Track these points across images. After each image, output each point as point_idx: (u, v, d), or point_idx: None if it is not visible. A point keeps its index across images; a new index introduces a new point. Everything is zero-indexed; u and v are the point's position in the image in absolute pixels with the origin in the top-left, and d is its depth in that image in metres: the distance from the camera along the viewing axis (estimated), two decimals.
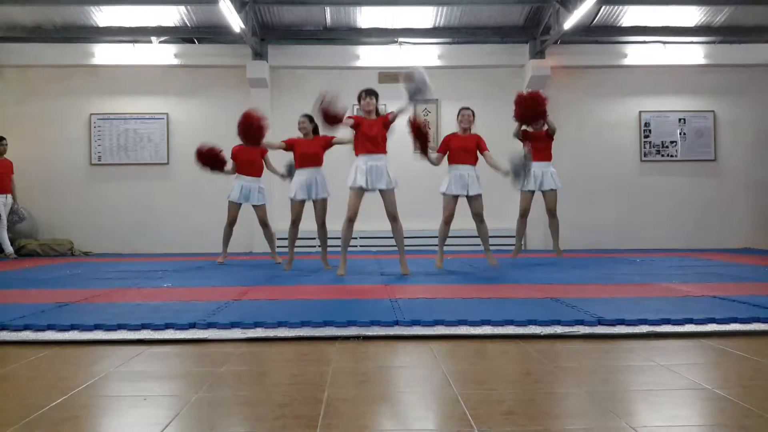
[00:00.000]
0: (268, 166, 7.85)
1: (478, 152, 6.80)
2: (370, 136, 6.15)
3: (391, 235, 6.48)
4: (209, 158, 7.59)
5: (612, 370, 2.72)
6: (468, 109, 6.92)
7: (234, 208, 7.81)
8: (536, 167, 7.37)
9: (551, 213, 7.59)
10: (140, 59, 10.76)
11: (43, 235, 10.64)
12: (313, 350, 3.09)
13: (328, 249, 7.18)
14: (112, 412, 2.26)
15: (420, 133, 6.45)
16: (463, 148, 6.73)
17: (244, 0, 9.47)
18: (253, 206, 7.84)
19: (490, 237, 7.05)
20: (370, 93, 6.28)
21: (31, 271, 7.27)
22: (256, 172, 7.82)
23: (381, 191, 6.20)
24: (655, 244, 10.68)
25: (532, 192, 7.54)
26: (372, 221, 7.43)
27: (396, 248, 6.52)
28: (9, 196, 9.82)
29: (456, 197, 6.77)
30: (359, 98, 6.33)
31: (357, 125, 6.17)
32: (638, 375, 2.61)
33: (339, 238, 6.35)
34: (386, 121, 6.24)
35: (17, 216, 9.91)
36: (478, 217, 6.83)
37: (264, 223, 7.90)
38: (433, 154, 6.78)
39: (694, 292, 4.71)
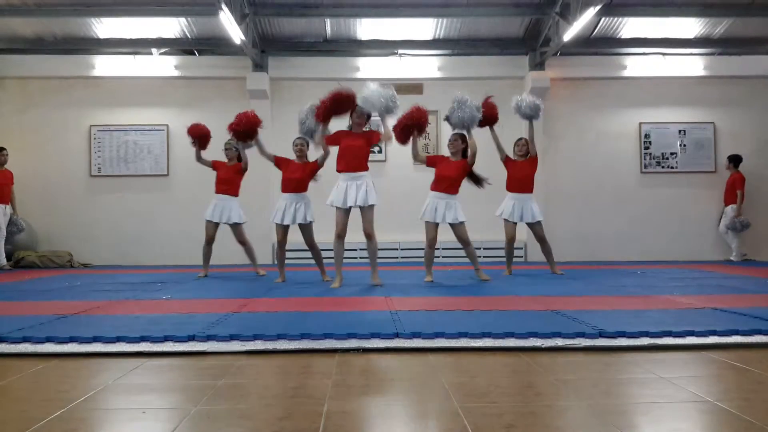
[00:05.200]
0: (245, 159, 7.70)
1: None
2: (353, 153, 6.20)
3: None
4: (198, 133, 7.72)
5: (613, 382, 2.70)
6: (456, 133, 6.90)
7: (210, 226, 7.70)
8: (517, 199, 7.54)
9: (541, 240, 7.69)
10: (140, 71, 10.79)
11: (42, 247, 10.64)
12: (313, 363, 3.07)
13: (325, 261, 7.18)
14: (111, 425, 2.24)
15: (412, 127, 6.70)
16: (448, 179, 6.72)
17: (244, 12, 9.51)
18: (230, 225, 7.73)
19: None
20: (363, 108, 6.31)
21: (30, 283, 7.26)
22: (233, 191, 7.75)
23: (360, 208, 6.21)
24: (655, 256, 10.67)
25: (514, 222, 7.62)
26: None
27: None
28: (9, 206, 9.81)
29: (436, 223, 6.75)
30: (351, 113, 6.38)
31: (338, 141, 6.31)
32: (639, 388, 2.59)
33: (332, 250, 6.34)
34: (372, 140, 6.36)
35: (16, 227, 9.91)
36: (463, 241, 6.81)
37: (242, 242, 7.83)
38: (420, 154, 6.84)
39: (695, 304, 4.70)
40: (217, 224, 7.71)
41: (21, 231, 10.02)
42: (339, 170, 6.26)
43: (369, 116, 6.45)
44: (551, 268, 7.78)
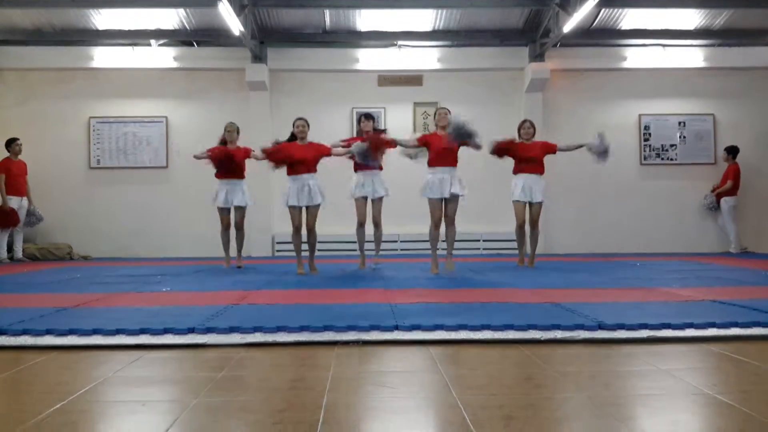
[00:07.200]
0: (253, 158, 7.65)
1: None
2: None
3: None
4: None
5: (612, 375, 2.71)
6: (444, 108, 6.94)
7: (224, 213, 7.71)
8: (528, 180, 7.51)
9: (533, 224, 7.65)
10: (139, 62, 10.76)
11: (42, 239, 10.64)
12: (313, 355, 3.08)
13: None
14: (111, 418, 2.25)
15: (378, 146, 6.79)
16: (444, 150, 6.67)
17: (243, 3, 9.47)
18: (235, 207, 7.71)
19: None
20: (368, 117, 7.26)
21: (30, 276, 7.26)
22: (239, 174, 7.72)
23: (372, 200, 7.16)
24: (655, 248, 10.67)
25: (524, 203, 7.57)
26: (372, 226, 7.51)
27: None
28: (24, 198, 9.83)
29: (441, 200, 6.70)
30: (359, 121, 7.39)
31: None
32: (639, 380, 2.60)
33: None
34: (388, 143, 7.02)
35: (35, 217, 9.94)
36: (449, 219, 6.77)
37: (239, 227, 7.81)
38: (410, 144, 6.93)
39: (695, 297, 4.70)
40: (229, 209, 7.71)
41: (40, 220, 10.05)
42: (357, 170, 7.19)
43: (374, 120, 7.34)
44: (529, 257, 7.70)
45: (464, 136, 6.48)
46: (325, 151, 6.95)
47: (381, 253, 7.79)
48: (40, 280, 6.59)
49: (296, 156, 6.82)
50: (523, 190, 7.49)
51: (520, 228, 7.69)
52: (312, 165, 6.88)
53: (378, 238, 7.43)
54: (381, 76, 10.97)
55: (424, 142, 6.82)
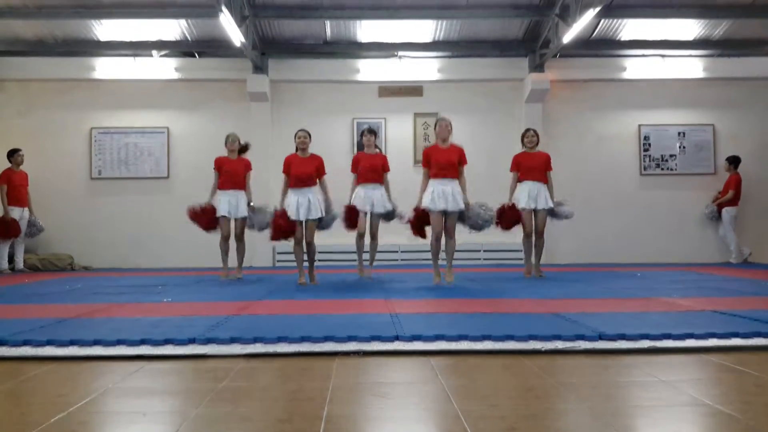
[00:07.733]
0: (246, 183, 7.80)
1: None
2: (370, 168, 7.32)
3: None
4: (203, 219, 7.63)
5: (613, 385, 2.71)
6: (445, 119, 6.90)
7: (225, 222, 7.68)
8: (532, 186, 7.50)
9: (539, 233, 7.59)
10: (141, 73, 10.80)
11: (44, 250, 10.64)
12: (313, 366, 3.07)
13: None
14: (111, 429, 2.25)
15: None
16: (446, 163, 6.67)
17: (244, 14, 9.51)
18: (236, 218, 7.69)
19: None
20: (371, 131, 7.57)
21: (31, 286, 7.26)
22: (241, 185, 7.72)
23: (372, 213, 7.27)
24: (655, 258, 10.66)
25: (531, 210, 7.52)
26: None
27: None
28: (26, 209, 9.83)
29: (442, 213, 6.66)
30: (362, 135, 7.65)
31: (358, 162, 7.44)
32: (639, 391, 2.59)
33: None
34: (385, 164, 7.51)
35: (35, 227, 9.94)
36: (449, 232, 6.73)
37: (239, 238, 7.79)
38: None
39: (695, 307, 4.70)
40: (230, 219, 7.68)
41: (41, 231, 10.04)
42: (360, 182, 7.36)
43: (376, 135, 7.67)
44: (535, 266, 7.64)
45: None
46: (322, 173, 7.06)
47: (380, 263, 7.84)
48: (41, 291, 6.59)
49: (297, 170, 6.88)
50: (529, 197, 7.46)
51: (528, 237, 7.62)
52: (312, 179, 6.93)
53: (373, 250, 7.55)
54: (381, 87, 11.01)
55: (427, 160, 6.79)
